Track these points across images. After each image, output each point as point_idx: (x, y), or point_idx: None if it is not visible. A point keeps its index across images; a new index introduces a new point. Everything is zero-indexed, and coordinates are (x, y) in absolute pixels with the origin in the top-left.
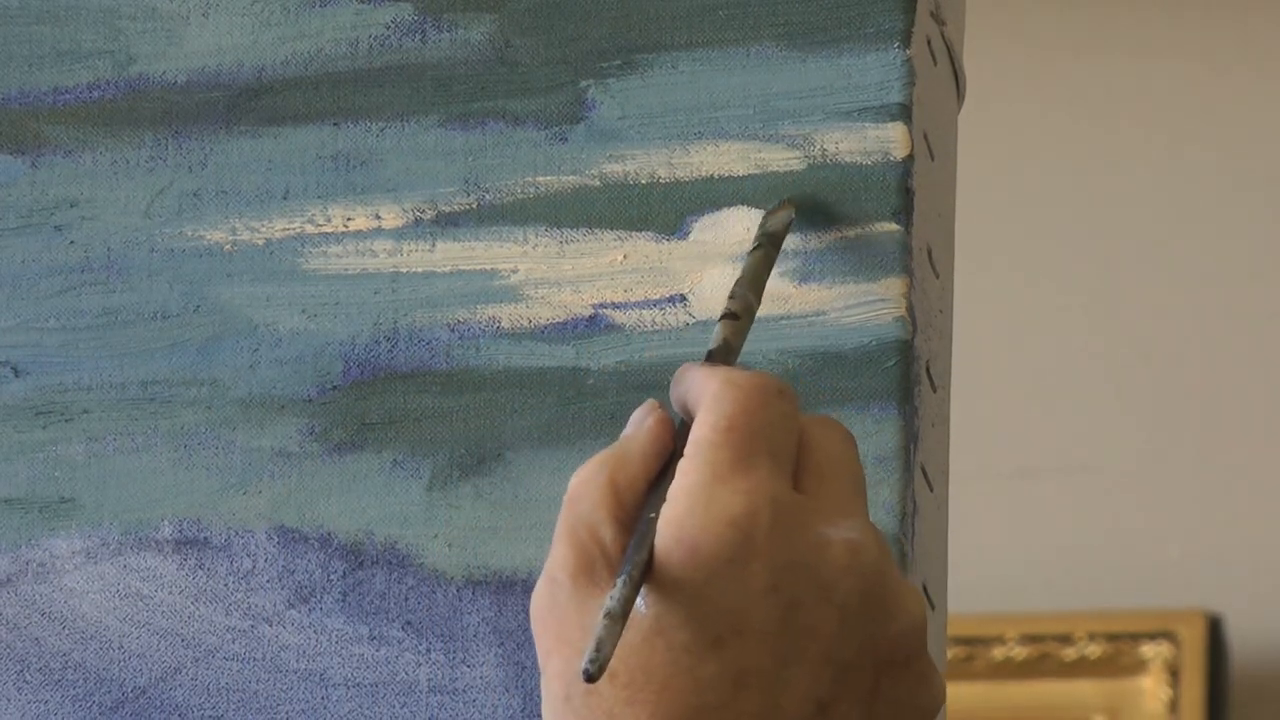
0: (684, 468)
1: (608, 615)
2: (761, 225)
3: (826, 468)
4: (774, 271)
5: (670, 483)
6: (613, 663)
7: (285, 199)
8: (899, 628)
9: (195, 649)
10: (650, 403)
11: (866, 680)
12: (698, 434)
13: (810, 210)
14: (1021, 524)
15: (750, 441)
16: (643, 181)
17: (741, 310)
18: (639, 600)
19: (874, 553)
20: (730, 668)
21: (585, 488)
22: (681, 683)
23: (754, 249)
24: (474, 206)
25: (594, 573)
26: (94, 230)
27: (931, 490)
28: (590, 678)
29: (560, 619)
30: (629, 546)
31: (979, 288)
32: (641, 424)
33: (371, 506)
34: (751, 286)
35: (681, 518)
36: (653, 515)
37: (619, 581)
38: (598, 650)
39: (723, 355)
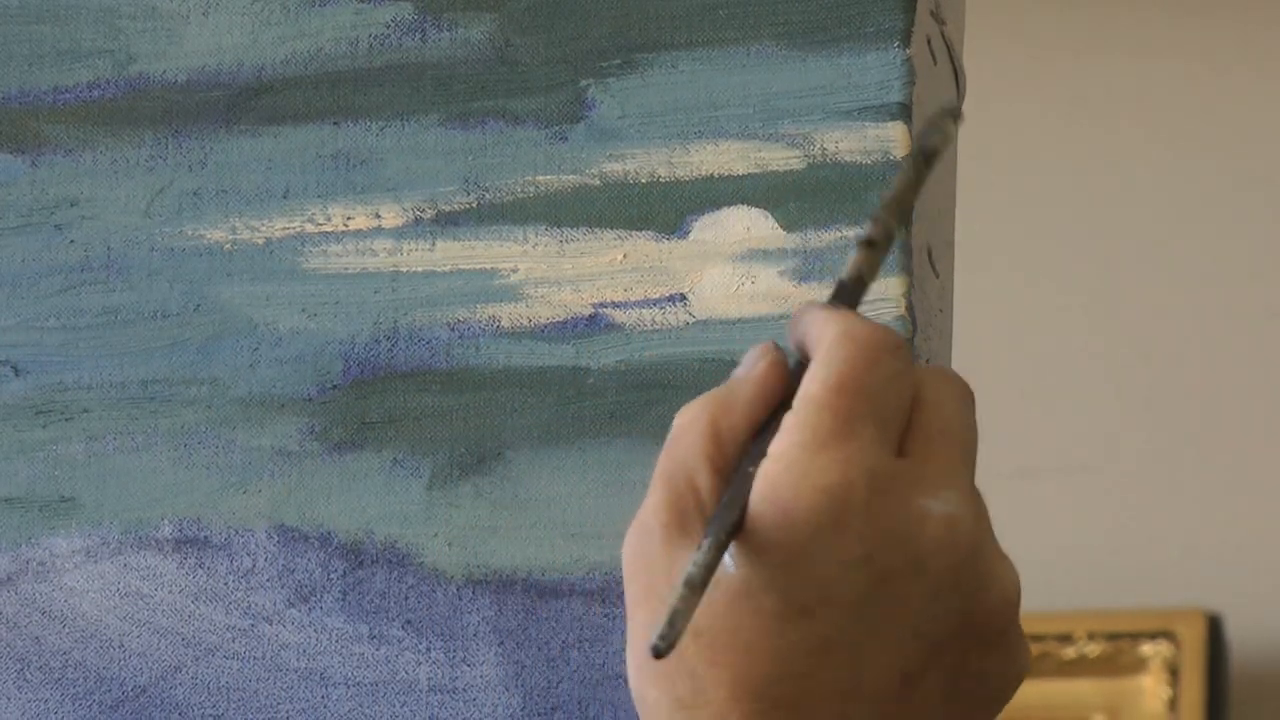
0: (788, 425)
1: (687, 583)
2: (917, 139)
3: (937, 431)
4: (773, 270)
5: (772, 436)
6: (700, 620)
7: (285, 198)
8: (991, 602)
9: (195, 648)
10: (766, 344)
11: (954, 654)
12: (807, 389)
13: (809, 209)
14: (1021, 524)
15: (857, 404)
16: (643, 181)
17: (880, 237)
18: (728, 559)
19: (970, 526)
20: (815, 637)
21: (686, 430)
22: (765, 648)
23: (903, 168)
24: (474, 206)
25: (686, 522)
26: (94, 229)
27: None
28: (658, 654)
29: (650, 569)
30: (723, 500)
31: (978, 288)
32: (753, 367)
33: (371, 505)
34: (896, 211)
35: (777, 479)
36: (750, 469)
37: (705, 544)
38: (670, 625)
39: (852, 289)
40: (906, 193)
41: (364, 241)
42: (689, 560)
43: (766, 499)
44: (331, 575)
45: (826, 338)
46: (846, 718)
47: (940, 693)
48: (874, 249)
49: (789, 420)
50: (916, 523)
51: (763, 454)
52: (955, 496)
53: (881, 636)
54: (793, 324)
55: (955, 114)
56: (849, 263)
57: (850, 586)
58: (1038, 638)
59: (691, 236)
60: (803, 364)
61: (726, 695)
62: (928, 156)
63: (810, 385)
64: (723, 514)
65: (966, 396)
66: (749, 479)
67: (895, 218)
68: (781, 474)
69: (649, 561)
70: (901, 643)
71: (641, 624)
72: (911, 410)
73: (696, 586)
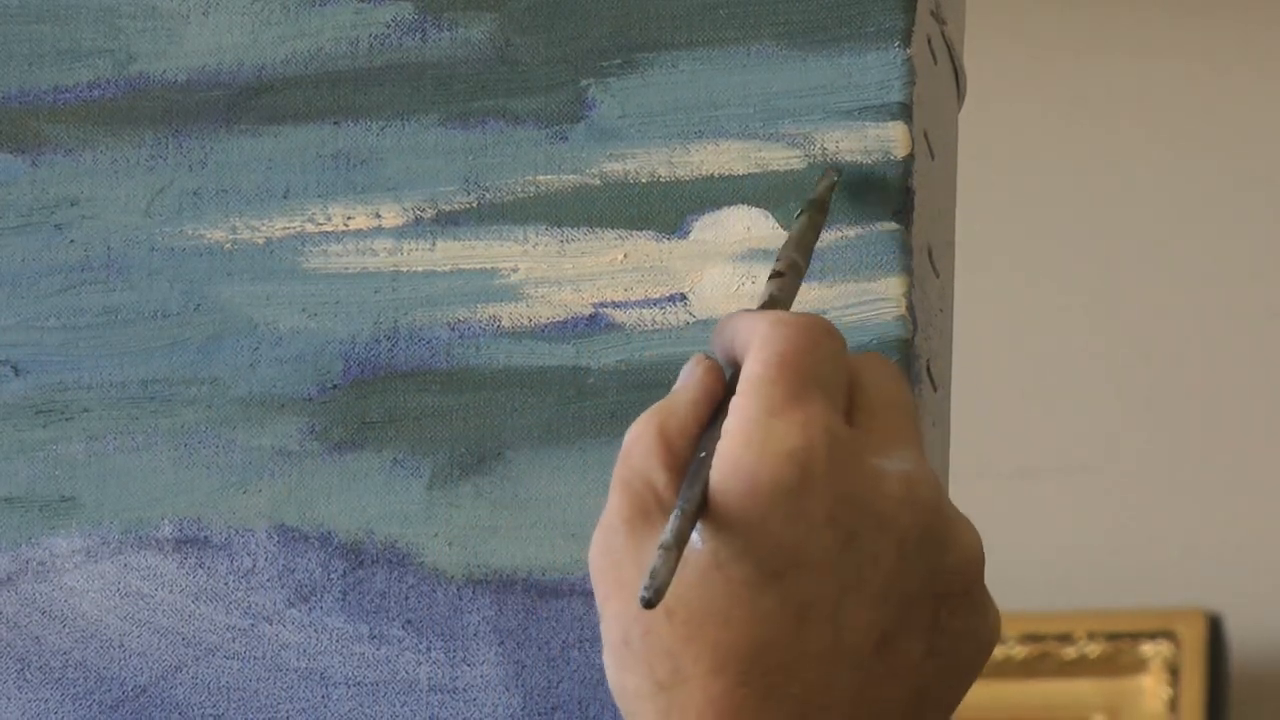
0: (737, 404)
1: (662, 546)
2: (808, 195)
3: (878, 403)
4: None
5: (722, 424)
6: (671, 601)
7: (285, 198)
8: (956, 559)
9: (195, 648)
10: (698, 355)
11: (927, 612)
12: (750, 371)
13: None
14: (1021, 523)
15: (803, 376)
16: (643, 180)
17: (787, 268)
18: (695, 536)
19: (929, 484)
20: (790, 601)
21: (636, 440)
22: (741, 617)
23: (798, 214)
24: (474, 205)
25: (649, 517)
26: (94, 229)
27: None
28: (648, 604)
29: (616, 564)
30: (683, 485)
31: (979, 287)
32: (690, 375)
33: (372, 505)
34: (797, 248)
35: (738, 451)
36: (705, 454)
37: (673, 515)
38: (652, 578)
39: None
40: (806, 235)
41: (364, 241)
42: (659, 535)
43: (729, 471)
44: (332, 575)
45: (759, 330)
46: (830, 680)
47: (919, 652)
48: (783, 278)
49: (737, 401)
50: (875, 481)
51: (715, 440)
52: (909, 455)
53: (855, 597)
54: (716, 335)
55: (836, 168)
56: (762, 291)
57: (819, 549)
58: (1038, 638)
59: (692, 236)
60: (736, 367)
61: (706, 669)
62: (818, 205)
63: (752, 367)
64: (686, 491)
65: (900, 376)
66: (706, 462)
67: (798, 253)
68: (741, 445)
69: (615, 558)
70: (875, 603)
71: (613, 615)
72: (851, 391)
73: (671, 547)
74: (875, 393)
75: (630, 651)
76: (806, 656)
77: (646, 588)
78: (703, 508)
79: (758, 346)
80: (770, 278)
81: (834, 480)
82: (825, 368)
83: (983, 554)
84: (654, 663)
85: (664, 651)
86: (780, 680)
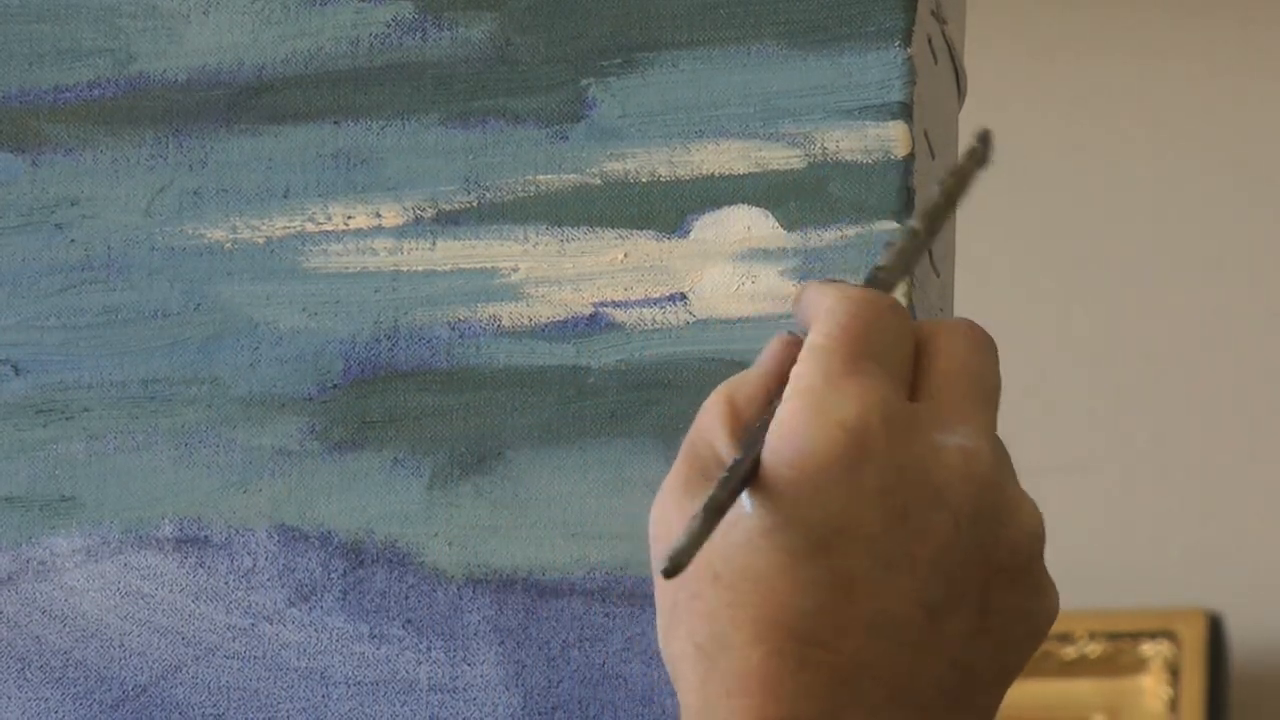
0: (796, 373)
1: (702, 510)
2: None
3: (948, 375)
4: (774, 270)
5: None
6: (716, 565)
7: (286, 197)
8: (1013, 536)
9: (196, 647)
10: (781, 332)
11: (978, 588)
12: (811, 342)
13: (810, 208)
14: None
15: (862, 348)
16: (643, 180)
17: (904, 235)
18: (745, 501)
19: (989, 460)
20: (835, 571)
21: (707, 408)
22: (785, 585)
23: (941, 182)
24: (474, 205)
25: (707, 480)
26: (94, 229)
27: None
28: (666, 574)
29: (669, 526)
30: (740, 451)
31: (980, 287)
32: (769, 348)
33: (372, 505)
34: (921, 216)
35: (792, 419)
36: (763, 422)
37: (719, 480)
38: (679, 549)
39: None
40: (936, 201)
41: (364, 241)
42: (705, 496)
43: (783, 438)
44: (332, 575)
45: (825, 302)
46: (871, 653)
47: (967, 629)
48: (892, 247)
49: (797, 370)
50: (932, 455)
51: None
52: (970, 430)
53: (902, 570)
54: (796, 307)
55: (984, 138)
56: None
57: (868, 521)
58: None
59: (692, 236)
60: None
61: (748, 636)
62: (960, 173)
63: (814, 338)
64: (739, 457)
65: (982, 342)
66: (764, 428)
67: (921, 221)
68: (796, 413)
69: (668, 520)
70: (924, 577)
71: (665, 582)
72: (920, 359)
73: (711, 512)
74: (947, 363)
75: (676, 615)
76: (848, 628)
77: (669, 559)
78: (752, 475)
79: (821, 318)
80: (884, 248)
81: (888, 452)
82: (886, 340)
83: (1043, 533)
84: (696, 626)
85: (708, 616)
86: (820, 650)
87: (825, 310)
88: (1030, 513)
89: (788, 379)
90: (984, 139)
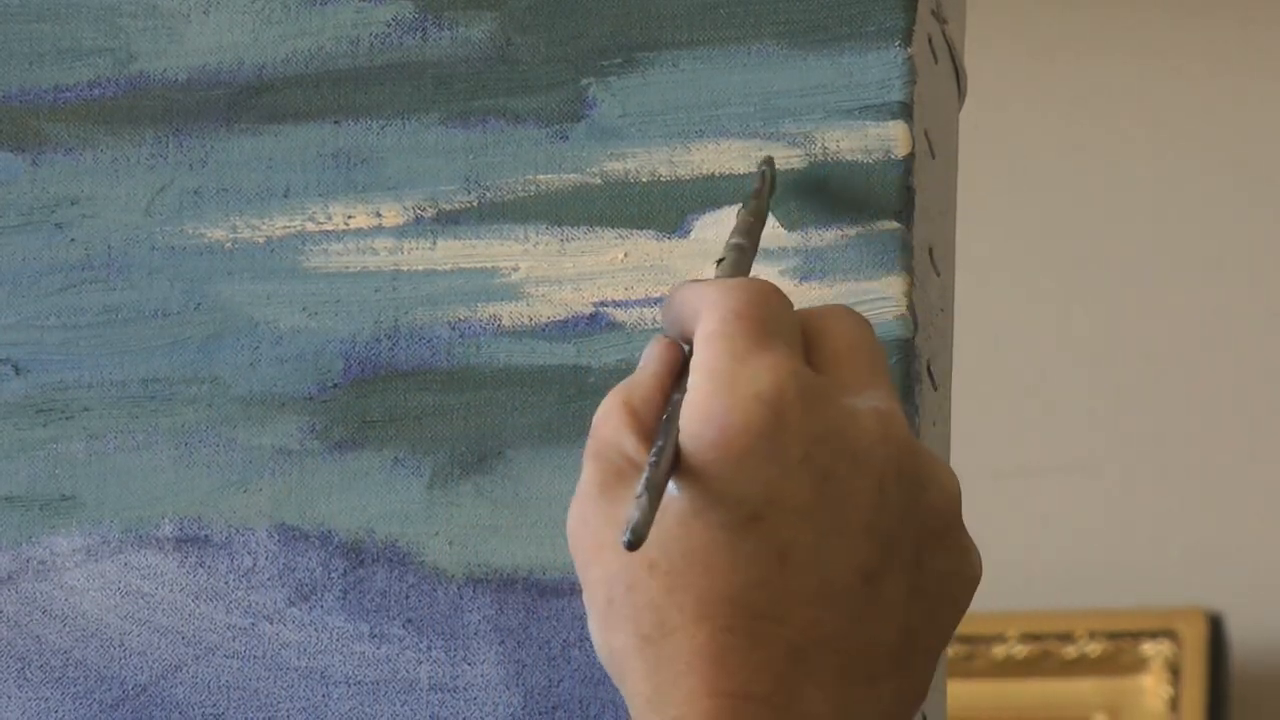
0: (699, 360)
1: (638, 497)
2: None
3: (844, 349)
4: (774, 269)
5: (684, 390)
6: (652, 553)
7: (286, 197)
8: (935, 498)
9: (196, 647)
10: (656, 336)
11: (908, 551)
12: (706, 330)
13: (810, 207)
14: (1022, 522)
15: (762, 326)
16: (644, 180)
17: (733, 253)
18: (672, 486)
19: (903, 422)
20: (770, 542)
21: (604, 415)
22: (722, 562)
23: (740, 209)
24: (475, 204)
25: (623, 481)
26: (95, 228)
27: None
28: (630, 546)
29: (594, 529)
30: (653, 444)
31: (980, 287)
32: (649, 352)
33: (372, 504)
34: (742, 234)
35: (707, 401)
36: (670, 414)
37: (645, 468)
38: (630, 522)
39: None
40: (748, 221)
41: (365, 240)
42: (635, 489)
43: (701, 419)
44: (332, 574)
45: (709, 295)
46: (816, 621)
47: (903, 592)
48: (725, 261)
49: (698, 358)
50: (849, 420)
51: (679, 402)
52: (878, 394)
53: (835, 537)
54: (665, 312)
55: (769, 161)
56: (711, 274)
57: (795, 488)
58: (1038, 637)
59: (693, 235)
60: (689, 339)
61: (691, 617)
62: (758, 194)
63: (709, 326)
64: (656, 447)
65: (862, 323)
66: (673, 420)
67: (745, 238)
68: (710, 394)
69: (592, 524)
70: (856, 542)
71: (595, 579)
72: (809, 340)
73: (645, 493)
74: (837, 340)
75: (614, 610)
76: (791, 598)
77: (627, 531)
78: (675, 459)
79: (709, 309)
80: (716, 265)
81: (806, 420)
82: (780, 318)
83: (960, 494)
84: (639, 617)
85: (648, 605)
86: (766, 623)
87: (711, 301)
88: (946, 474)
89: (680, 375)
90: (769, 162)
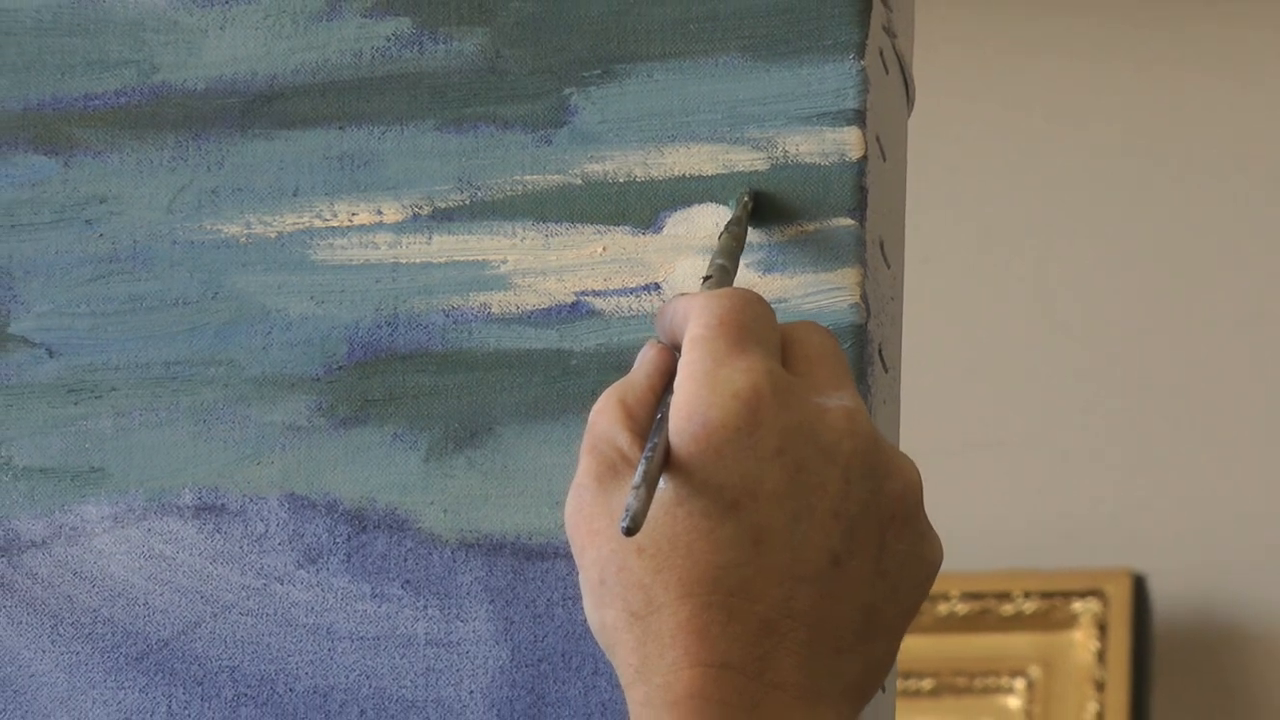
0: (685, 361)
1: (634, 488)
2: (731, 216)
3: (813, 356)
4: (742, 264)
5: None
6: (639, 538)
7: (295, 196)
8: (896, 486)
9: (213, 605)
10: (650, 340)
11: (873, 535)
12: (692, 334)
13: (772, 206)
14: (965, 492)
15: (741, 331)
16: (620, 180)
17: (715, 273)
18: (660, 479)
19: (867, 419)
20: (748, 527)
21: (600, 412)
22: (704, 545)
23: (722, 233)
24: (467, 203)
25: (616, 474)
26: (121, 224)
27: None
28: (628, 532)
29: (589, 517)
30: (646, 440)
31: (927, 278)
32: (644, 355)
33: (374, 476)
34: (724, 256)
35: (690, 399)
36: (663, 414)
37: (640, 462)
38: (629, 511)
39: None
40: (730, 245)
41: (367, 235)
42: (631, 480)
43: (685, 416)
44: (337, 539)
45: (695, 306)
46: (789, 597)
47: (868, 572)
48: (711, 279)
49: (684, 360)
50: (819, 416)
51: (670, 403)
52: (845, 394)
53: (806, 521)
54: (659, 321)
55: (750, 191)
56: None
57: (770, 479)
58: (979, 595)
59: (665, 231)
60: (679, 345)
61: (675, 595)
62: (738, 222)
63: (694, 331)
64: (650, 443)
65: (830, 335)
66: (664, 419)
67: (727, 260)
68: (693, 394)
69: (587, 512)
70: (825, 526)
71: (590, 562)
72: (785, 347)
73: (642, 485)
74: (809, 348)
75: (606, 589)
76: (766, 577)
77: (624, 519)
78: (666, 456)
79: (696, 316)
80: (703, 280)
81: (780, 416)
82: (759, 325)
83: (920, 483)
84: (628, 596)
85: (637, 584)
86: (743, 599)
87: (697, 309)
88: (908, 466)
89: (668, 379)
90: (750, 194)
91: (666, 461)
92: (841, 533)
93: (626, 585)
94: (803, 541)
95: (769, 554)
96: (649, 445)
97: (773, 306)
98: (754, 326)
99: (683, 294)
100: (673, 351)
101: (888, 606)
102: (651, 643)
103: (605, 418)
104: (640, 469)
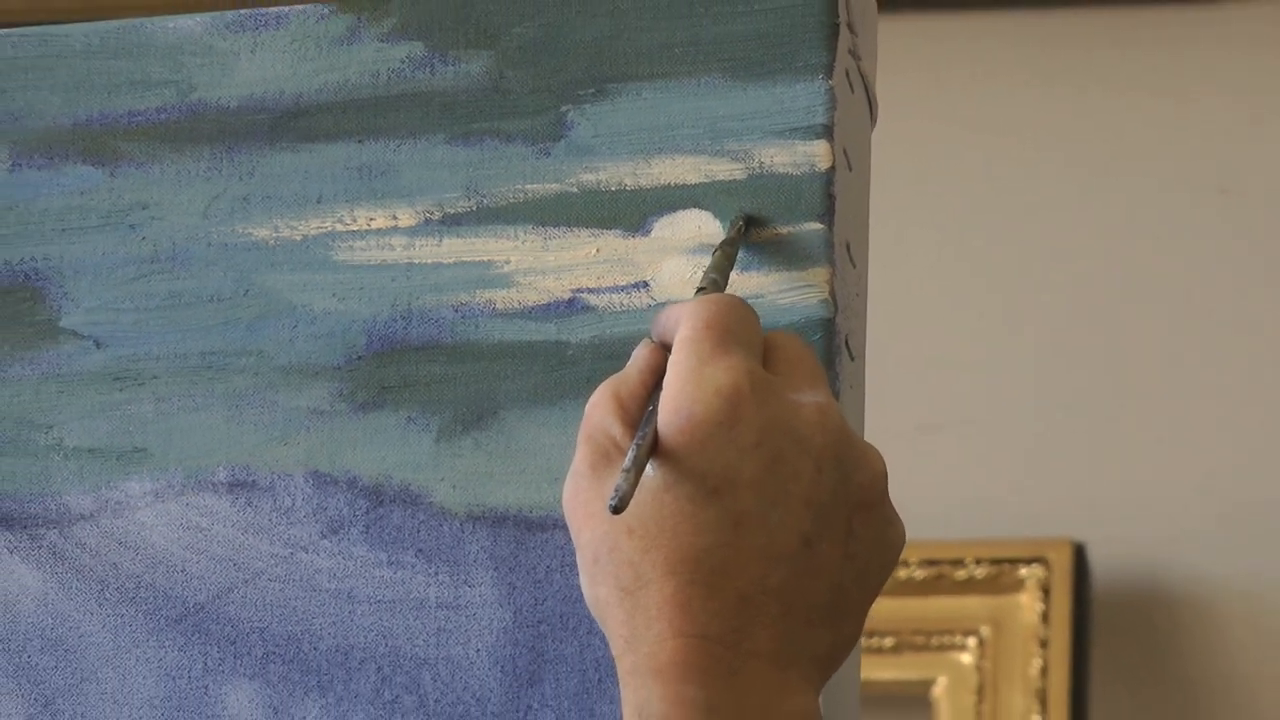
0: (674, 360)
1: (623, 471)
2: (725, 236)
3: (791, 359)
4: None
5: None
6: (630, 520)
7: (319, 202)
8: (864, 475)
9: (245, 572)
10: (644, 340)
11: (841, 520)
12: (681, 335)
13: (749, 211)
14: (923, 469)
15: (726, 334)
16: (612, 188)
17: (708, 285)
18: (649, 465)
19: (838, 415)
20: (728, 512)
21: (595, 404)
22: (688, 527)
23: (715, 251)
24: (474, 209)
25: (609, 461)
26: (161, 228)
27: None
28: (616, 510)
29: (584, 501)
30: (636, 431)
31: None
32: (638, 353)
33: (390, 455)
34: (716, 270)
35: (678, 394)
36: (653, 407)
37: (630, 449)
38: (617, 492)
39: None
40: (722, 261)
41: (383, 238)
42: (621, 464)
43: (672, 410)
44: (357, 512)
45: (686, 309)
46: (764, 575)
47: (837, 555)
48: (704, 290)
49: (673, 357)
50: (793, 411)
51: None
52: (818, 393)
53: (782, 507)
54: (655, 324)
55: (744, 214)
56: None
57: (749, 468)
58: (935, 562)
59: (653, 234)
60: (671, 347)
61: (661, 572)
62: (731, 243)
63: (683, 332)
64: (639, 434)
65: (807, 344)
66: (654, 412)
67: (718, 274)
68: (679, 389)
69: (582, 497)
70: (798, 511)
71: (585, 542)
72: (766, 351)
73: (631, 469)
74: (788, 352)
75: (600, 567)
76: (744, 557)
77: (614, 498)
78: (654, 445)
79: (686, 319)
80: (696, 292)
81: (759, 412)
82: (743, 329)
83: (885, 474)
84: (619, 573)
85: (627, 562)
86: (723, 577)
87: (687, 313)
88: (875, 458)
89: (660, 375)
90: (747, 219)
91: (655, 450)
92: (813, 518)
93: (618, 563)
94: (778, 525)
95: (747, 536)
96: (639, 434)
97: (751, 302)
98: (738, 329)
99: (674, 304)
100: (665, 351)
101: (854, 585)
102: (639, 616)
103: (600, 409)
104: (630, 454)
